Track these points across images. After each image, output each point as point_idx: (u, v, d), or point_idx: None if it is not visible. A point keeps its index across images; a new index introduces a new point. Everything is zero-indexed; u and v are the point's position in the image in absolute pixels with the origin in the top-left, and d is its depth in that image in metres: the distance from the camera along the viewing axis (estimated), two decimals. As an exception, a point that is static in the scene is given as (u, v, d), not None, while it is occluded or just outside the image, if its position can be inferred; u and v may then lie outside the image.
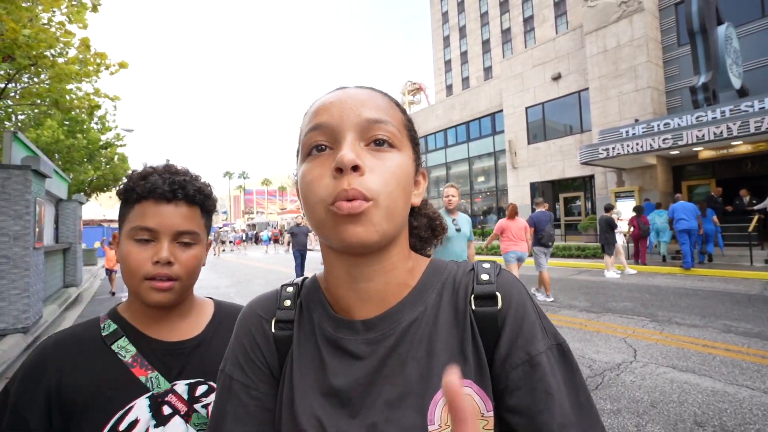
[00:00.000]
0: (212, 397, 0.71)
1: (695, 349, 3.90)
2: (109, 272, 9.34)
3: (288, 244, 10.22)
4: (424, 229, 0.60)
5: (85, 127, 15.38)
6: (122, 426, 0.65)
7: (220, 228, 37.47)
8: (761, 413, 2.62)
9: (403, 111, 0.53)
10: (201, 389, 0.73)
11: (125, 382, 0.67)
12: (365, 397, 0.47)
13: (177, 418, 0.68)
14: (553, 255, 12.24)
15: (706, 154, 11.35)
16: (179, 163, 0.79)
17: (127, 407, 0.66)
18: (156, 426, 0.66)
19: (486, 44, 40.79)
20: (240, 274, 12.59)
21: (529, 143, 17.39)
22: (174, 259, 0.68)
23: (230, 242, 29.82)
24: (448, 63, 44.85)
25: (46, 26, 5.91)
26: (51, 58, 6.25)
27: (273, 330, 0.53)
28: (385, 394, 0.46)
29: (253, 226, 50.28)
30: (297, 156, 0.53)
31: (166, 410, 0.68)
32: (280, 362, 0.52)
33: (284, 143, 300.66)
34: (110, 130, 17.46)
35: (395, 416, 0.45)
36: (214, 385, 0.72)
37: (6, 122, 9.15)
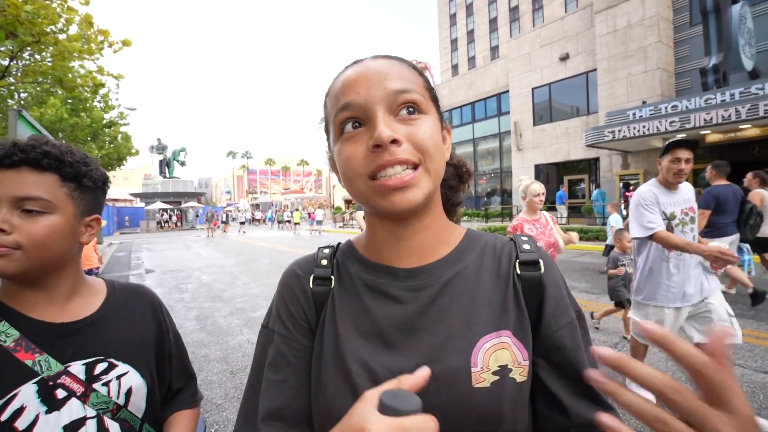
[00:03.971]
0: (113, 374, 0.71)
1: (691, 329, 3.99)
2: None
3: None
4: (452, 178, 0.65)
5: (88, 105, 15.30)
6: (4, 416, 0.60)
7: (225, 207, 37.61)
8: (750, 390, 2.71)
9: (421, 73, 0.55)
10: (100, 367, 0.70)
11: (6, 368, 0.62)
12: (409, 339, 0.51)
13: (74, 400, 0.65)
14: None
15: (713, 137, 11.22)
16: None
17: (9, 395, 0.61)
18: (48, 412, 0.63)
19: (493, 23, 39.77)
20: (245, 253, 12.77)
21: (534, 125, 17.21)
22: (11, 227, 0.62)
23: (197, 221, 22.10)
24: (454, 42, 43.87)
25: (47, 2, 5.83)
26: (53, 35, 6.20)
27: (311, 286, 0.58)
28: (429, 337, 0.51)
29: (257, 206, 50.51)
30: (327, 134, 0.56)
31: (60, 393, 0.65)
32: (317, 315, 0.57)
33: (288, 123, 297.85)
34: (113, 108, 17.36)
35: (441, 357, 0.49)
36: (115, 362, 0.72)
37: (9, 100, 9.13)
